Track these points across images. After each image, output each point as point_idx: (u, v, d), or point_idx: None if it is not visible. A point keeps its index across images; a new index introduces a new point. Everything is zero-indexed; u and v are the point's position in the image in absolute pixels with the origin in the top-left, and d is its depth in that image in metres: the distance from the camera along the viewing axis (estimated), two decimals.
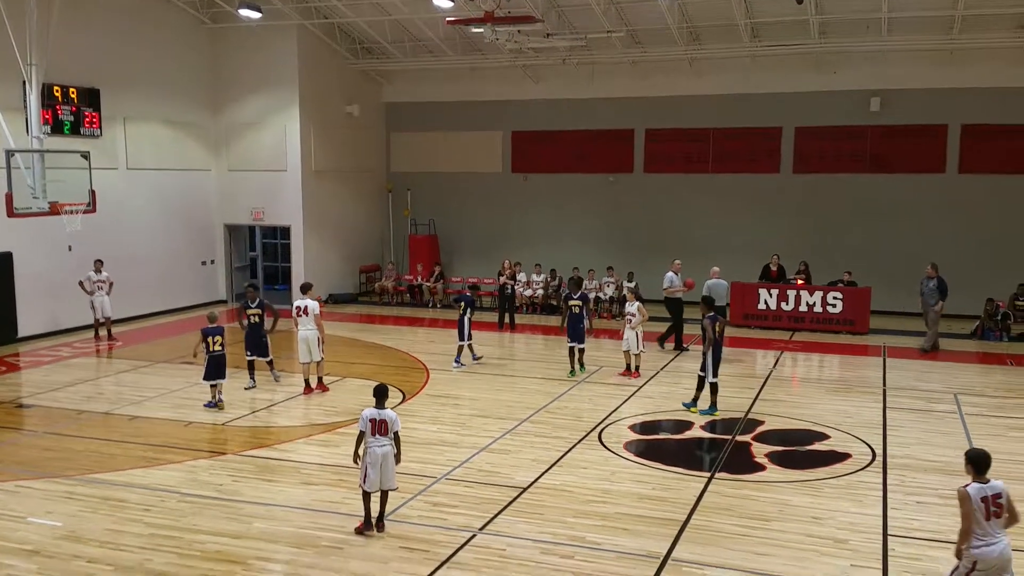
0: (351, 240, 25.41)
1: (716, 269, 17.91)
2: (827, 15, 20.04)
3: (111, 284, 18.70)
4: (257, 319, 14.46)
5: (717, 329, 13.31)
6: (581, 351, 15.74)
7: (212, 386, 13.36)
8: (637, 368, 15.71)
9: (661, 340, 18.08)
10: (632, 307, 15.77)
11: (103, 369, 16.55)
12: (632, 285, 21.66)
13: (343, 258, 25.08)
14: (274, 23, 22.02)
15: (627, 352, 15.71)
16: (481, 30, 19.78)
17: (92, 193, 17.30)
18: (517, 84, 24.59)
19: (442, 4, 18.76)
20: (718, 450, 11.74)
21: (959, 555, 6.67)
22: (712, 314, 13.44)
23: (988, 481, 6.64)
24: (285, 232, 24.19)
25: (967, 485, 6.65)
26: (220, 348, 13.29)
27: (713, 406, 13.28)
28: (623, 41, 21.90)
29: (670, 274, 17.98)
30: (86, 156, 17.55)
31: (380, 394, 8.86)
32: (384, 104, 26.65)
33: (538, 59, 23.21)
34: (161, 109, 21.89)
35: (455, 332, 16.57)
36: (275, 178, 23.32)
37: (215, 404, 13.31)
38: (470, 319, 16.59)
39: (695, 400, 13.44)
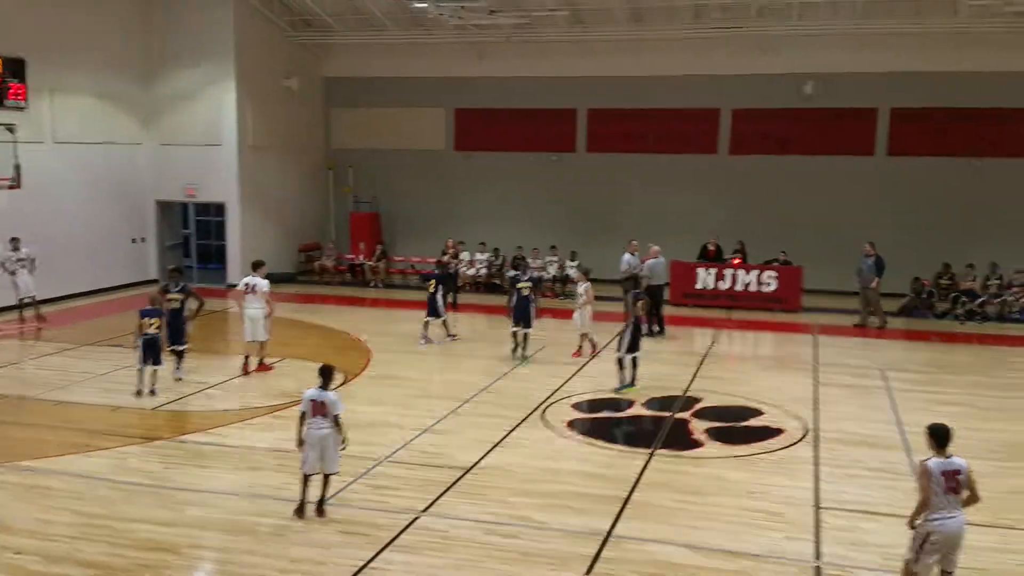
0: (290, 218, 24.94)
1: (655, 248, 17.97)
2: None
3: (33, 260, 17.83)
4: (178, 304, 13.61)
5: (640, 307, 13.44)
6: (526, 336, 15.51)
7: (139, 370, 12.72)
8: (580, 348, 15.74)
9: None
10: (581, 287, 15.74)
11: (27, 352, 15.93)
12: (575, 264, 21.88)
13: (281, 236, 24.58)
14: None
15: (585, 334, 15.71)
16: (424, 5, 19.51)
17: (16, 168, 16.63)
18: (461, 61, 24.32)
19: None
20: (658, 427, 11.89)
21: (911, 525, 6.85)
22: (637, 291, 13.77)
23: (949, 456, 6.77)
24: (220, 209, 23.60)
25: (928, 459, 6.79)
26: (156, 331, 12.72)
27: (623, 384, 13.37)
28: (566, 20, 21.86)
29: (627, 256, 17.83)
30: (11, 129, 16.84)
31: (325, 375, 8.74)
32: (324, 79, 26.14)
33: (482, 36, 23.00)
34: (90, 80, 21.05)
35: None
36: (209, 153, 22.68)
37: (141, 392, 12.64)
38: (443, 296, 16.58)
39: (632, 381, 13.49)
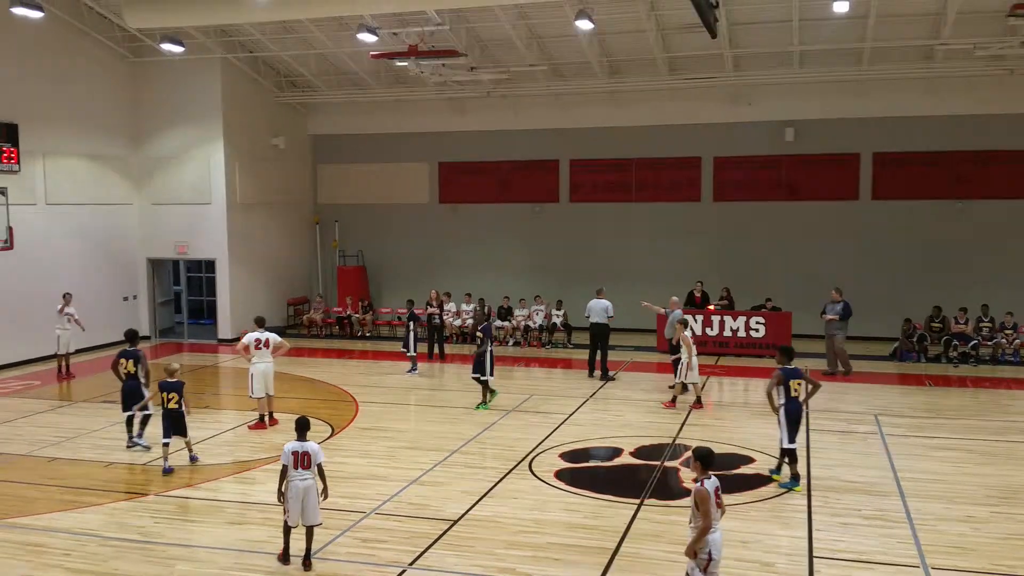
0: (278, 273, 25.07)
1: (675, 299, 18.04)
2: (740, 49, 20.74)
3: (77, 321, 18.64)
4: (133, 370, 13.02)
5: (806, 384, 11.56)
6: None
7: (165, 445, 11.92)
8: (698, 399, 15.76)
9: (592, 369, 18.17)
10: (688, 332, 15.90)
11: (20, 409, 15.84)
12: (560, 312, 22.03)
13: (270, 291, 24.70)
14: (197, 57, 21.74)
15: (694, 385, 15.80)
16: (405, 64, 19.88)
17: (9, 230, 16.73)
18: (443, 116, 24.75)
19: (366, 38, 18.81)
20: (647, 476, 11.85)
21: (693, 554, 7.01)
22: (797, 368, 11.57)
23: (711, 476, 7.16)
24: (210, 265, 23.73)
25: (701, 483, 7.06)
26: (177, 405, 12.01)
27: (792, 476, 11.38)
28: (545, 74, 22.28)
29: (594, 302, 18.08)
30: (3, 192, 16.96)
31: (301, 427, 8.77)
32: (310, 136, 26.51)
33: (463, 92, 23.43)
34: (82, 143, 21.34)
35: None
36: (199, 211, 22.91)
37: (171, 470, 11.94)
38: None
39: (779, 467, 11.77)
